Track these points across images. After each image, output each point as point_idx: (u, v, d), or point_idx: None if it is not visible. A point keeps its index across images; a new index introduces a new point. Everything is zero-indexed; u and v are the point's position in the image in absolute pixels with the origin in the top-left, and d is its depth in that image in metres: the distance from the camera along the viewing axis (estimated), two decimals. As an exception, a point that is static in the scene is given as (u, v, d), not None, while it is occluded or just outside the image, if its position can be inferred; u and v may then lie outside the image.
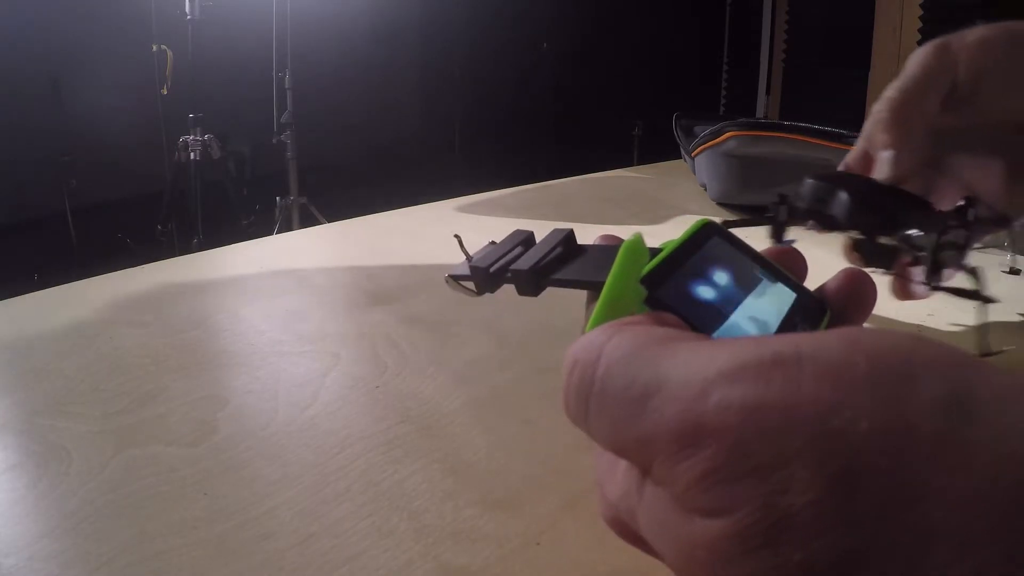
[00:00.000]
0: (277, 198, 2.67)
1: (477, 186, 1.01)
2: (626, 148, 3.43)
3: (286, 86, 2.59)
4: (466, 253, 0.33)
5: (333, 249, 0.80)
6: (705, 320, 0.22)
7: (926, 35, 2.91)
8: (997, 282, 0.74)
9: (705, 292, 0.23)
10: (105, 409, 0.45)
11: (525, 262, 0.30)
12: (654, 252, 0.23)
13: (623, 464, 0.18)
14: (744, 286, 0.24)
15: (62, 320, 0.59)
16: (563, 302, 0.62)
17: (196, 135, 2.45)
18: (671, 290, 0.22)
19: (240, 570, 0.32)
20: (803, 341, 0.15)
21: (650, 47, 3.80)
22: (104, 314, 0.60)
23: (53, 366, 0.51)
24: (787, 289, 0.24)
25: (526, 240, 0.34)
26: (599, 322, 0.22)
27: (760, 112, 3.76)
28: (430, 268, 0.71)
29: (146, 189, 2.62)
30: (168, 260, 0.73)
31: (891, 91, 0.36)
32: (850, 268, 0.25)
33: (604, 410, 0.18)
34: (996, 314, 0.62)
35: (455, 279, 0.34)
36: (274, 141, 2.63)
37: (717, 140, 0.91)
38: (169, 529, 0.34)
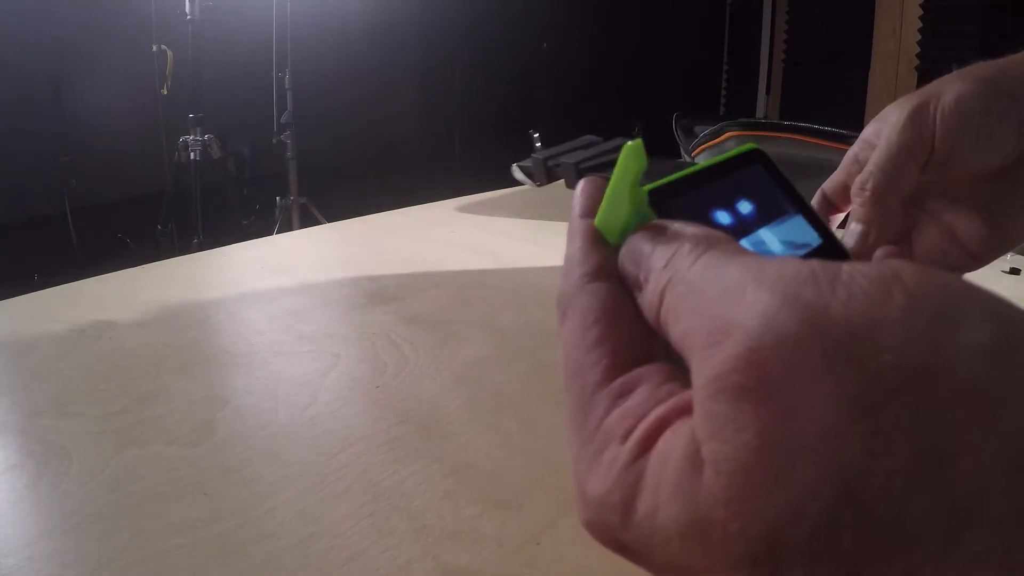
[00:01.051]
0: (277, 198, 2.67)
1: (477, 186, 1.01)
2: (626, 148, 3.42)
3: (286, 86, 2.59)
4: (535, 149, 0.34)
5: (333, 249, 0.80)
6: None
7: (926, 35, 2.91)
8: (997, 282, 0.74)
9: (720, 215, 0.23)
10: (105, 409, 0.45)
11: (573, 157, 0.30)
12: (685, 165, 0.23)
13: (608, 454, 0.17)
14: (765, 218, 0.23)
15: (62, 320, 0.59)
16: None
17: (196, 135, 2.45)
18: (684, 205, 0.22)
19: (240, 570, 0.32)
20: (845, 266, 0.14)
21: (650, 47, 3.80)
22: (104, 314, 0.60)
23: (53, 366, 0.51)
24: (812, 231, 0.24)
25: (590, 143, 0.34)
26: (602, 219, 0.22)
27: (760, 112, 3.76)
28: (430, 268, 0.71)
29: (146, 189, 2.62)
30: (168, 260, 0.73)
31: (873, 167, 0.35)
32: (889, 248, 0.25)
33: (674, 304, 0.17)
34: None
35: (520, 168, 0.35)
36: (274, 141, 2.63)
37: (717, 140, 0.91)
38: (169, 529, 0.34)
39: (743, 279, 0.15)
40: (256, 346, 0.54)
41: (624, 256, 0.19)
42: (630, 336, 0.18)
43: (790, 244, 0.23)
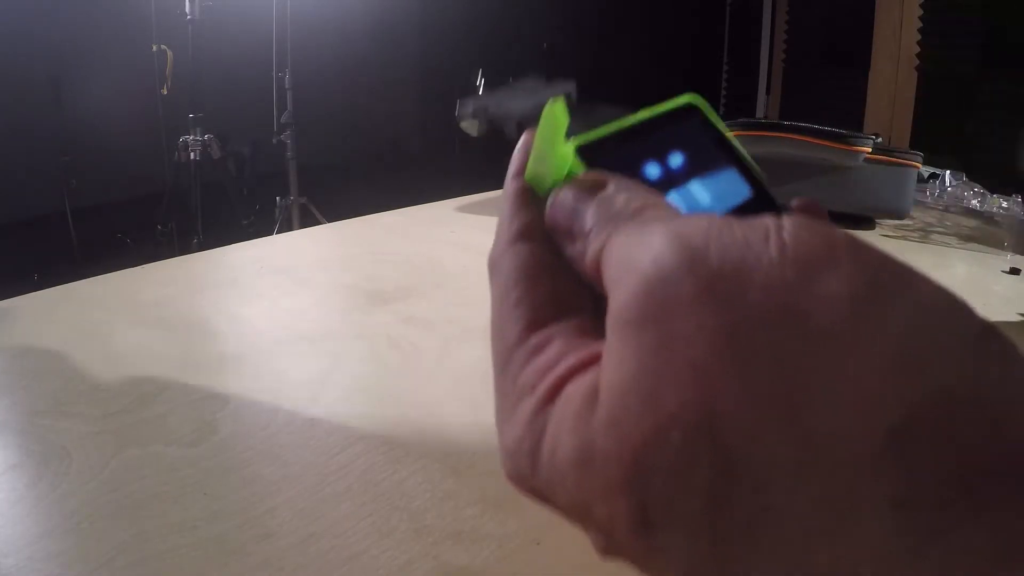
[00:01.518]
0: (277, 198, 2.67)
1: (477, 186, 1.01)
2: (626, 148, 3.42)
3: (286, 86, 2.59)
4: (479, 89, 0.34)
5: (333, 249, 0.80)
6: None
7: (926, 35, 2.92)
8: (997, 282, 0.74)
9: (651, 168, 0.23)
10: (105, 409, 0.45)
11: (514, 107, 0.30)
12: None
13: (521, 406, 0.17)
14: (697, 172, 0.23)
15: (62, 320, 0.59)
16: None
17: (196, 135, 2.45)
18: (614, 158, 0.22)
19: (240, 570, 0.32)
20: (739, 220, 0.15)
21: (650, 47, 3.80)
22: (104, 314, 0.60)
23: (53, 366, 0.51)
24: (744, 184, 0.24)
25: (534, 89, 0.33)
26: (531, 174, 0.22)
27: (760, 112, 3.76)
28: (430, 268, 0.71)
29: (146, 189, 2.62)
30: (168, 260, 0.73)
31: None
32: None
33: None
34: (996, 314, 0.62)
35: (461, 116, 0.35)
36: (274, 141, 2.63)
37: (717, 140, 0.91)
38: (169, 529, 0.34)
39: (657, 233, 0.16)
40: (256, 346, 0.54)
41: (553, 208, 0.20)
42: (551, 294, 0.19)
43: (720, 197, 0.23)
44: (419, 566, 0.32)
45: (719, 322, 0.13)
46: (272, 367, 0.51)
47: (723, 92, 4.02)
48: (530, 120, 0.29)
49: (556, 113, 0.21)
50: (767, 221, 0.15)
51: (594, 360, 0.16)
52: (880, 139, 0.90)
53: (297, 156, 2.66)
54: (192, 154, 2.46)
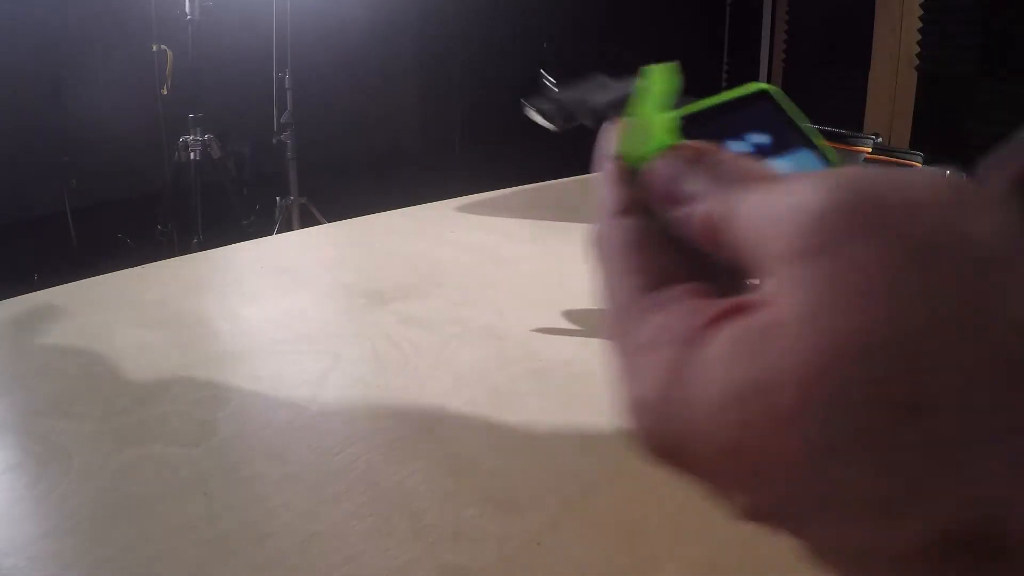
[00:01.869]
0: (277, 198, 2.67)
1: (477, 186, 1.01)
2: (626, 148, 3.42)
3: (286, 86, 2.59)
4: (550, 87, 0.34)
5: (333, 249, 0.80)
6: None
7: (926, 35, 2.91)
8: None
9: (735, 146, 0.23)
10: (105, 409, 0.45)
11: (594, 99, 0.30)
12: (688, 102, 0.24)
13: (649, 359, 0.17)
14: (777, 152, 0.24)
15: (62, 320, 0.59)
16: (563, 302, 0.62)
17: (196, 135, 2.45)
18: (701, 135, 0.22)
19: (240, 570, 0.32)
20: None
21: (650, 47, 3.80)
22: (104, 314, 0.60)
23: (53, 366, 0.51)
24: (822, 164, 0.24)
25: (604, 84, 0.33)
26: (627, 145, 0.22)
27: (760, 112, 3.76)
28: (430, 268, 0.71)
29: (146, 189, 2.62)
30: (168, 260, 0.73)
31: None
32: None
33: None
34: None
35: (535, 109, 0.35)
36: (274, 141, 2.63)
37: (717, 140, 0.91)
38: (169, 529, 0.34)
39: (801, 183, 0.16)
40: (256, 346, 0.54)
41: (656, 174, 0.20)
42: (659, 261, 0.19)
43: (801, 172, 0.24)
44: (419, 566, 0.32)
45: (900, 247, 0.14)
46: (272, 367, 0.51)
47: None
48: (609, 110, 0.29)
49: (663, 77, 0.22)
50: (918, 168, 0.16)
51: (744, 307, 0.16)
52: (880, 139, 0.90)
53: (297, 156, 2.66)
54: (192, 154, 2.45)
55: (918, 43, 2.97)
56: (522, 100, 0.33)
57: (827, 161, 0.24)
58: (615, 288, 0.19)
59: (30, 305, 0.62)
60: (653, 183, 0.20)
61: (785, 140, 0.25)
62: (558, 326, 0.58)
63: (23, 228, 2.49)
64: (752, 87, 0.26)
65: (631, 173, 0.22)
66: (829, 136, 0.86)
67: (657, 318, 0.18)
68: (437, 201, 0.96)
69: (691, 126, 0.23)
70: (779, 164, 0.24)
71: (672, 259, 0.19)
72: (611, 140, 0.22)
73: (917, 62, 2.99)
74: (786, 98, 0.26)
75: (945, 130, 2.87)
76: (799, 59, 3.67)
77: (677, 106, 0.24)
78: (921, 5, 2.93)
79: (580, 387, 0.48)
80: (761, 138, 0.24)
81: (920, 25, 2.95)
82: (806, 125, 0.25)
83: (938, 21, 2.89)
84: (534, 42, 3.64)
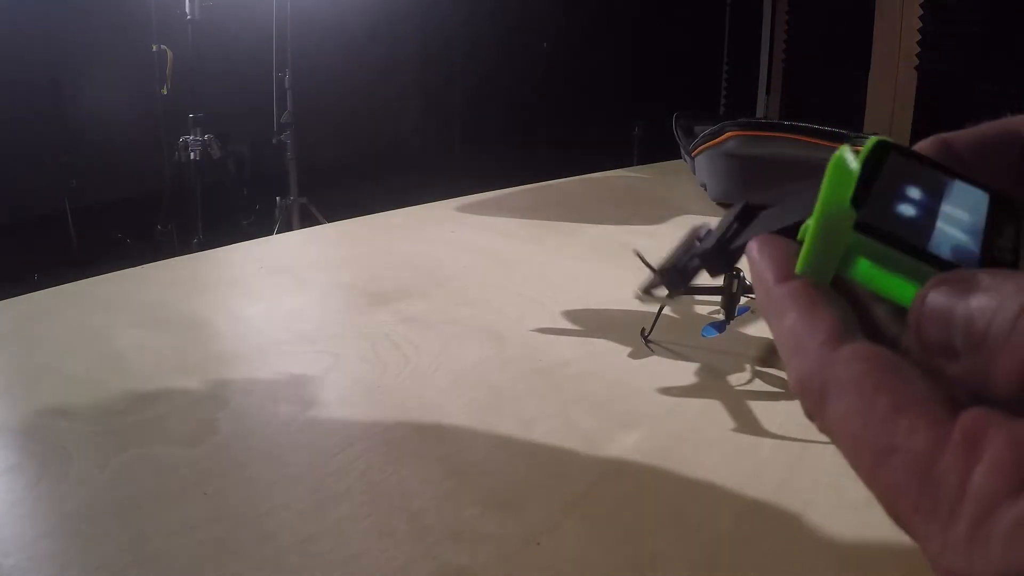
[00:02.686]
0: (277, 198, 2.67)
1: (478, 186, 1.01)
2: (626, 148, 3.43)
3: (286, 86, 2.59)
4: (649, 265, 0.33)
5: (333, 249, 0.80)
6: (914, 236, 0.20)
7: (926, 35, 2.91)
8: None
9: (905, 208, 0.21)
10: (105, 409, 0.45)
11: (708, 243, 0.29)
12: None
13: (995, 522, 0.13)
14: (936, 195, 0.22)
15: (62, 320, 0.59)
16: (563, 302, 0.62)
17: (196, 135, 2.45)
18: (875, 212, 0.20)
19: (240, 570, 0.32)
20: None
21: (650, 47, 3.80)
22: (104, 314, 0.60)
23: (53, 366, 0.51)
24: (977, 190, 0.23)
25: (699, 231, 0.32)
26: (811, 255, 0.20)
27: (760, 112, 3.76)
28: (430, 268, 0.71)
29: (146, 189, 2.62)
30: (168, 260, 0.73)
31: None
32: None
33: None
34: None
35: (647, 292, 0.34)
36: (274, 141, 2.63)
37: (717, 140, 0.91)
38: (169, 529, 0.34)
39: None
40: (256, 346, 0.54)
41: (925, 318, 0.16)
42: (927, 389, 0.16)
43: (970, 209, 0.22)
44: (419, 566, 0.32)
45: None
46: (272, 367, 0.51)
47: (723, 92, 4.02)
48: (717, 254, 0.26)
49: (845, 167, 0.19)
50: None
51: None
52: (880, 139, 0.90)
53: (297, 156, 2.66)
54: (192, 154, 2.46)
55: (918, 43, 2.97)
56: (636, 294, 0.34)
57: (978, 184, 0.23)
58: (889, 440, 0.15)
59: (30, 305, 0.62)
60: (925, 329, 0.16)
61: (933, 183, 0.23)
62: (558, 326, 0.58)
63: (23, 228, 2.49)
64: (869, 145, 0.23)
65: (822, 296, 0.19)
66: (829, 136, 0.86)
67: (977, 467, 0.14)
68: (437, 201, 0.96)
69: (861, 201, 0.20)
70: (948, 209, 0.22)
71: (924, 383, 0.16)
72: (769, 259, 0.19)
73: (917, 62, 2.99)
74: (897, 143, 0.23)
75: (945, 130, 2.86)
76: (799, 59, 3.67)
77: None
78: (921, 5, 2.93)
79: (580, 387, 0.48)
80: (916, 188, 0.22)
81: (920, 25, 2.95)
82: (933, 160, 0.23)
83: (938, 21, 2.89)
84: (533, 43, 3.64)
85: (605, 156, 1.62)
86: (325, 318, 0.60)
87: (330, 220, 0.92)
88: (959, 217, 0.22)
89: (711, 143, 0.92)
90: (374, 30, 3.19)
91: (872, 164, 0.22)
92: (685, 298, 0.61)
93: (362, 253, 0.77)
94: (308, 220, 2.62)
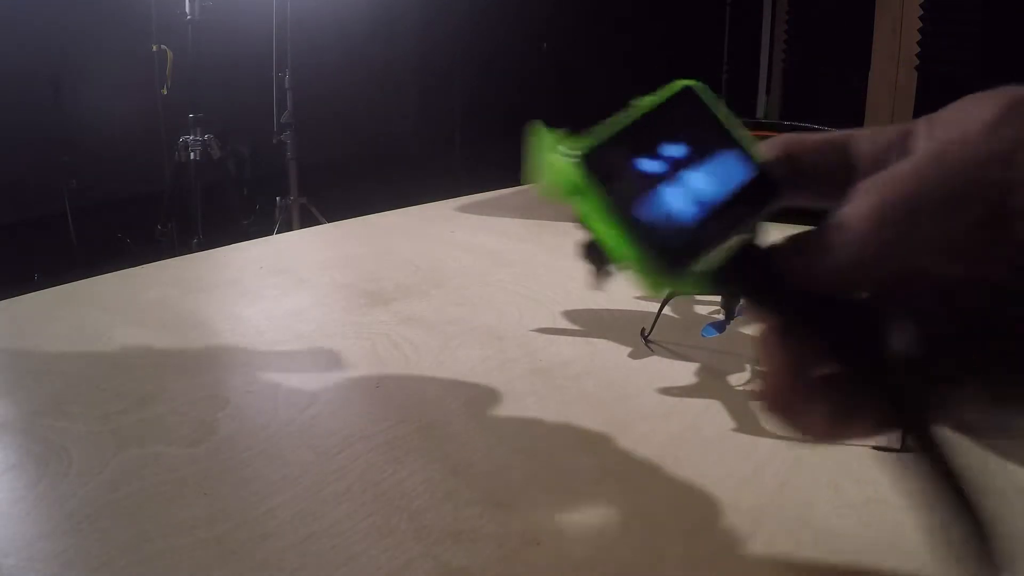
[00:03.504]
0: (277, 198, 2.67)
1: (478, 186, 1.01)
2: (626, 148, 3.42)
3: (286, 86, 2.59)
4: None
5: (333, 249, 0.80)
6: (632, 191, 0.22)
7: (926, 35, 2.91)
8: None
9: (647, 164, 0.23)
10: (105, 409, 0.45)
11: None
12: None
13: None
14: (696, 160, 0.24)
15: (62, 320, 0.59)
16: (563, 302, 0.62)
17: (196, 135, 2.45)
18: (609, 162, 0.23)
19: (240, 570, 0.32)
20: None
21: (650, 47, 3.80)
22: (104, 314, 0.60)
23: (53, 366, 0.51)
24: (745, 165, 0.24)
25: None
26: (546, 191, 0.23)
27: (760, 112, 3.76)
28: (430, 268, 0.71)
29: (146, 189, 2.62)
30: (168, 260, 0.73)
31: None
32: (783, 138, 0.25)
33: None
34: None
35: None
36: (274, 141, 2.63)
37: (717, 140, 0.91)
38: (169, 529, 0.34)
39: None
40: (256, 346, 0.54)
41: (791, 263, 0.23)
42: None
43: (721, 180, 0.24)
44: (419, 566, 0.32)
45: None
46: (272, 367, 0.51)
47: (723, 92, 4.02)
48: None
49: (543, 138, 0.24)
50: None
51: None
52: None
53: (297, 156, 2.66)
54: (192, 154, 2.46)
55: (918, 43, 2.97)
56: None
57: (750, 160, 0.24)
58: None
59: (30, 305, 0.62)
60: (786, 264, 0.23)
61: (705, 144, 0.24)
62: (558, 326, 0.58)
63: (23, 228, 2.49)
64: (677, 85, 0.25)
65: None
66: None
67: None
68: (437, 201, 0.96)
69: (608, 149, 0.23)
70: (697, 175, 0.24)
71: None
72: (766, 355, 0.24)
73: (917, 62, 2.98)
74: (708, 91, 0.26)
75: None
76: (799, 59, 3.67)
77: (607, 122, 0.24)
78: (921, 5, 2.93)
79: (580, 387, 0.48)
80: (678, 149, 0.24)
81: (920, 25, 2.95)
82: (728, 120, 0.25)
83: (938, 21, 2.89)
84: (533, 43, 3.64)
85: (605, 156, 1.61)
86: (325, 318, 0.60)
87: (330, 220, 0.92)
88: (702, 183, 0.24)
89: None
90: (374, 30, 3.19)
91: (656, 110, 0.25)
92: (684, 298, 0.61)
93: (362, 253, 0.77)
94: (308, 220, 2.62)
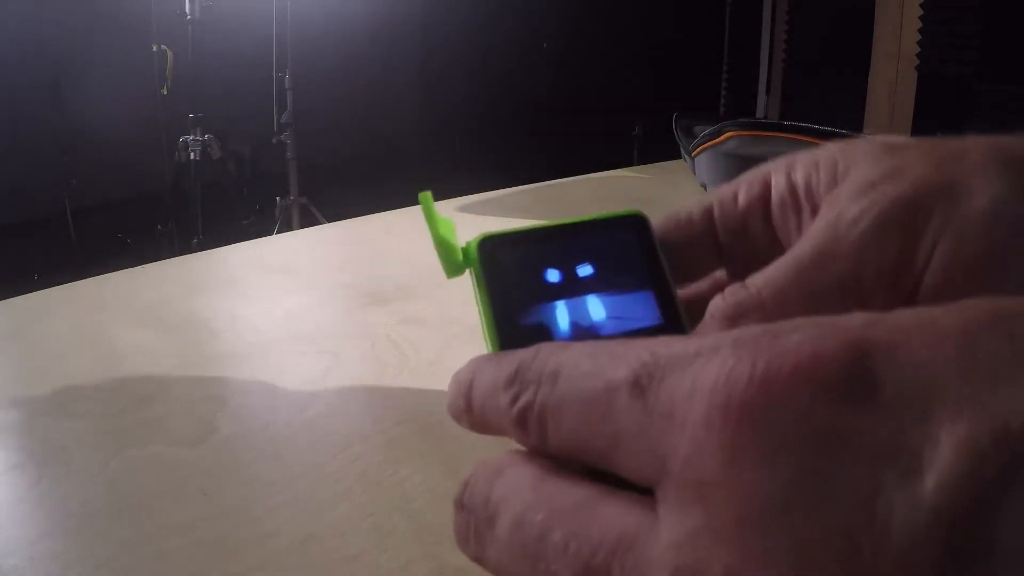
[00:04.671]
0: (277, 198, 2.67)
1: (477, 186, 1.01)
2: (626, 148, 3.43)
3: (286, 86, 2.59)
4: None
5: (333, 249, 0.80)
6: (518, 292, 0.22)
7: (926, 35, 2.92)
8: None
9: (551, 272, 0.23)
10: (105, 409, 0.45)
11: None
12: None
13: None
14: (604, 288, 0.22)
15: (62, 320, 0.59)
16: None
17: (196, 135, 2.45)
18: (511, 255, 0.23)
19: (240, 570, 0.32)
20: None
21: (650, 47, 3.80)
22: (104, 314, 0.60)
23: (53, 366, 0.51)
24: (655, 312, 0.22)
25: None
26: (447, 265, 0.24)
27: (760, 112, 3.76)
28: (430, 268, 0.71)
29: (146, 189, 2.63)
30: (168, 260, 0.73)
31: (777, 280, 0.25)
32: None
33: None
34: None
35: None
36: (274, 141, 2.63)
37: (717, 140, 0.91)
38: (169, 529, 0.34)
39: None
40: (256, 346, 0.54)
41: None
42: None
43: (619, 317, 0.22)
44: (419, 566, 0.32)
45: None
46: (272, 367, 0.51)
47: (723, 92, 4.02)
48: None
49: (425, 204, 0.23)
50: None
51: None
52: (880, 139, 0.89)
53: (297, 156, 2.67)
54: (192, 154, 2.46)
55: (918, 43, 2.97)
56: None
57: (667, 308, 0.23)
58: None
59: (30, 305, 0.62)
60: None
61: (628, 276, 0.23)
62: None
63: (23, 228, 2.49)
64: (626, 211, 0.24)
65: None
66: (829, 136, 0.86)
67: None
68: (437, 201, 0.96)
69: (519, 243, 0.23)
70: (595, 302, 0.22)
71: None
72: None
73: (917, 62, 2.99)
74: (650, 226, 0.25)
75: (945, 130, 2.86)
76: (799, 59, 3.67)
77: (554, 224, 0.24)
78: (921, 5, 2.93)
79: (580, 387, 0.48)
80: (595, 269, 0.23)
81: (920, 25, 2.95)
82: (665, 262, 0.24)
83: (938, 21, 2.89)
84: (533, 43, 3.64)
85: (605, 156, 1.62)
86: (325, 318, 0.60)
87: (330, 220, 0.92)
88: (594, 312, 0.22)
89: (711, 143, 0.92)
90: (374, 30, 3.19)
91: (593, 224, 0.24)
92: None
93: (362, 253, 0.77)
94: (308, 220, 2.62)
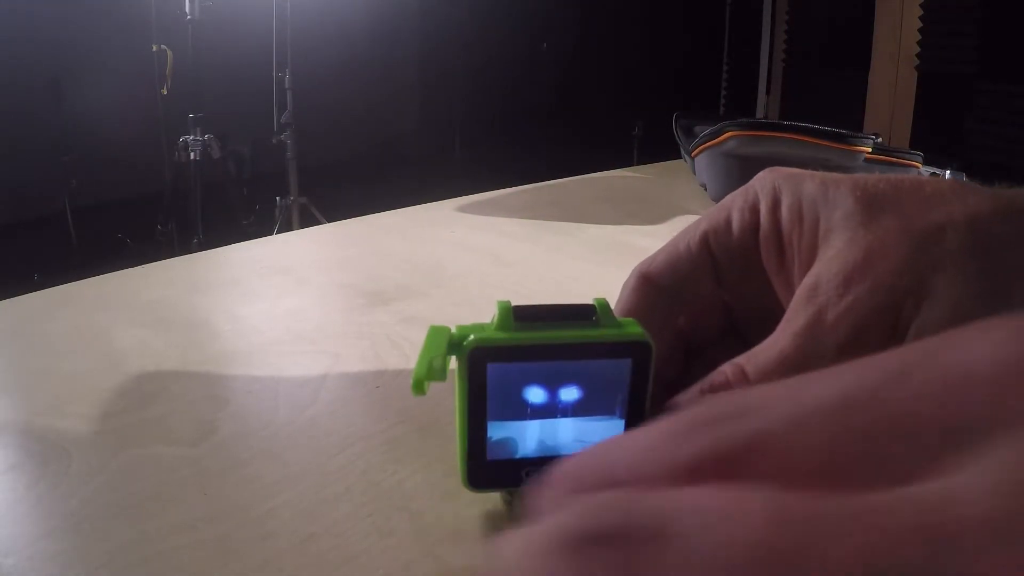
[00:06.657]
0: (277, 198, 2.67)
1: (477, 186, 1.01)
2: (626, 148, 3.43)
3: (286, 86, 2.59)
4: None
5: (333, 249, 0.80)
6: (496, 401, 0.22)
7: (926, 35, 2.91)
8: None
9: (534, 391, 0.22)
10: (105, 409, 0.45)
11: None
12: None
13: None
14: (581, 412, 0.23)
15: (62, 320, 0.59)
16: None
17: (196, 135, 2.45)
18: (501, 366, 0.23)
19: (240, 570, 0.32)
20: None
21: (650, 47, 3.80)
22: (104, 314, 0.60)
23: (53, 366, 0.51)
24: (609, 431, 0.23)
25: None
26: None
27: (760, 112, 3.76)
28: (430, 268, 0.71)
29: (146, 189, 2.63)
30: (168, 260, 0.73)
31: (762, 365, 0.28)
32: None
33: None
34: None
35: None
36: (274, 141, 2.63)
37: (717, 140, 0.91)
38: (169, 529, 0.34)
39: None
40: (256, 346, 0.54)
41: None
42: None
43: (583, 442, 0.23)
44: (419, 566, 0.32)
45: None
46: (272, 367, 0.51)
47: (723, 92, 4.02)
48: None
49: (438, 331, 0.25)
50: None
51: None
52: (880, 139, 0.90)
53: (297, 156, 2.67)
54: (192, 154, 2.46)
55: (918, 43, 2.97)
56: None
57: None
58: None
59: (30, 305, 0.62)
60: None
61: (610, 405, 0.23)
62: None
63: (23, 228, 2.49)
64: (638, 334, 0.24)
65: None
66: (829, 136, 0.86)
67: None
68: (437, 201, 0.96)
69: (510, 355, 0.23)
70: (566, 425, 0.22)
71: None
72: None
73: (917, 62, 2.98)
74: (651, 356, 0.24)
75: (945, 130, 2.87)
76: (799, 59, 3.67)
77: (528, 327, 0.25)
78: (921, 5, 2.93)
79: (580, 387, 0.48)
80: (580, 393, 0.23)
81: (920, 25, 2.95)
82: (647, 393, 0.24)
83: (938, 21, 2.89)
84: (533, 43, 3.64)
85: (605, 156, 1.62)
86: (325, 318, 0.60)
87: (330, 220, 0.92)
88: (562, 435, 0.23)
89: (711, 143, 0.92)
90: (374, 30, 3.19)
91: (597, 344, 0.23)
92: None
93: (362, 253, 0.77)
94: (308, 220, 2.62)
